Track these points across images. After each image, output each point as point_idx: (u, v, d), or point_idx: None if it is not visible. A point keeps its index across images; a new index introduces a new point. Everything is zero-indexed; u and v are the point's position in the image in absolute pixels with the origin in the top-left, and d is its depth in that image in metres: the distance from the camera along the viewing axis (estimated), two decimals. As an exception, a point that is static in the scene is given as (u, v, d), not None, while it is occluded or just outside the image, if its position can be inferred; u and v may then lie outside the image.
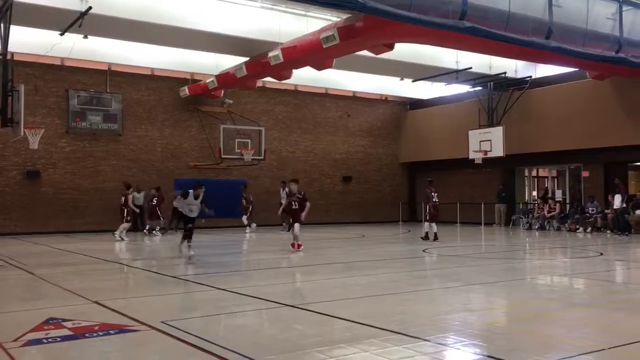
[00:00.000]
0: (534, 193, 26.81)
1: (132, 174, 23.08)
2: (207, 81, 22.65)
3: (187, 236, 12.56)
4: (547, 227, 22.45)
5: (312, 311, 6.76)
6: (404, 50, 18.97)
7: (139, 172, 23.29)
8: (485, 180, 25.47)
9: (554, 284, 9.65)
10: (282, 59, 17.59)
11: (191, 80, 24.18)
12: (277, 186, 25.49)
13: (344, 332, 5.82)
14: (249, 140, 24.38)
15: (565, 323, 6.35)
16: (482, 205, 25.21)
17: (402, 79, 26.53)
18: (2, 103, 14.30)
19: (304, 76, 22.64)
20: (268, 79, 22.86)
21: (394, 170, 30.19)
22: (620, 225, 19.44)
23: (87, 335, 5.60)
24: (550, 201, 23.35)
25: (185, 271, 10.99)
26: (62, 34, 17.67)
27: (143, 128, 23.68)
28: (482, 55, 20.43)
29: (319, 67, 18.99)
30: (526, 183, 27.15)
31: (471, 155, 24.31)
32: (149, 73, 23.77)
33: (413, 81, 26.09)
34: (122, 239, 17.82)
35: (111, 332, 5.73)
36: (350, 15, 14.90)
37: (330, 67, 18.86)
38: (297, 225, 14.12)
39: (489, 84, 24.47)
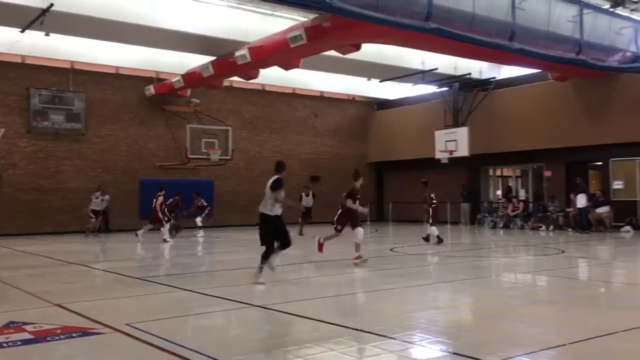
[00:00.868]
0: (499, 192, 27.26)
1: (96, 174, 22.66)
2: (173, 80, 22.38)
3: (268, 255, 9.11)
4: (511, 226, 22.86)
5: (280, 311, 6.75)
6: (371, 51, 19.08)
7: (103, 172, 22.87)
8: (451, 179, 25.79)
9: (517, 282, 9.84)
10: (249, 59, 17.51)
11: (157, 79, 23.86)
12: (244, 186, 25.43)
13: (312, 331, 5.83)
14: (216, 140, 24.19)
15: (528, 319, 6.48)
16: (448, 204, 25.53)
17: (369, 80, 26.69)
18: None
19: (272, 76, 22.57)
20: (235, 78, 22.73)
21: (362, 170, 30.09)
22: (583, 224, 19.93)
23: (48, 338, 5.48)
24: (514, 200, 23.80)
25: (153, 272, 10.84)
26: (22, 31, 17.26)
27: (107, 127, 23.25)
28: (448, 56, 20.67)
29: (287, 66, 18.96)
30: (491, 182, 27.62)
31: (437, 155, 24.59)
32: (114, 72, 23.36)
33: (380, 81, 26.27)
34: (166, 241, 17.33)
35: (74, 335, 5.62)
36: (317, 15, 14.92)
37: (297, 66, 18.85)
38: (360, 231, 11.64)
39: (454, 84, 24.79)
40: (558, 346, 5.14)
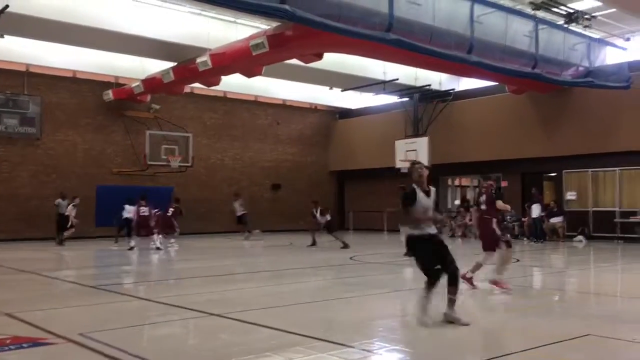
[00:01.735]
0: (457, 202, 27.72)
1: (50, 180, 22.09)
2: (133, 85, 22.04)
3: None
4: (469, 235, 23.26)
5: (238, 320, 6.70)
6: (333, 60, 19.20)
7: (58, 178, 22.30)
8: (411, 189, 26.05)
9: (473, 290, 10.00)
10: (210, 65, 17.40)
11: (116, 84, 23.44)
12: (204, 193, 25.20)
13: (270, 340, 5.81)
14: (176, 147, 23.90)
15: (483, 327, 6.60)
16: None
17: (331, 89, 26.84)
18: None
19: (234, 83, 22.48)
20: (197, 84, 22.54)
21: (323, 179, 30.41)
22: (537, 233, 20.44)
23: (-3, 349, 5.31)
24: (471, 209, 24.23)
25: (109, 281, 10.61)
26: (-25, 32, 16.75)
27: (63, 132, 22.70)
28: (409, 67, 20.99)
29: (249, 74, 18.91)
30: (450, 192, 28.07)
31: (398, 165, 24.84)
32: (71, 75, 22.84)
33: (342, 91, 26.43)
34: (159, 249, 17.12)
35: (24, 345, 5.46)
36: (279, 23, 14.95)
37: (259, 74, 18.81)
38: (497, 254, 9.49)
39: (414, 95, 25.15)
40: (510, 354, 5.25)
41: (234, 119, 27.24)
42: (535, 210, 20.42)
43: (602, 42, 19.67)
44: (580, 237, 20.16)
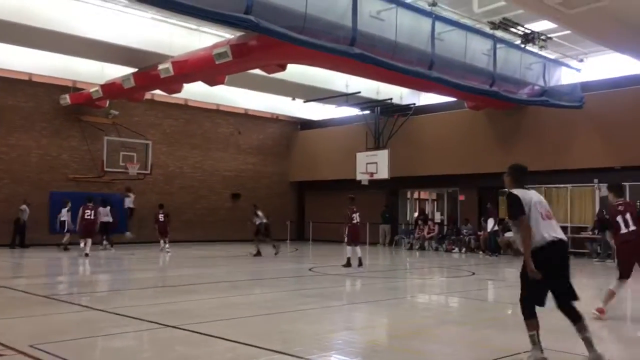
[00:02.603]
0: (416, 215, 28.10)
1: (2, 184, 21.41)
2: (91, 90, 21.57)
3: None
4: (427, 247, 23.58)
5: (194, 332, 6.62)
6: (296, 71, 19.28)
7: (10, 183, 21.64)
8: (372, 201, 26.30)
9: (430, 302, 10.15)
10: (172, 73, 17.19)
11: (73, 88, 22.93)
12: (162, 201, 24.79)
13: (226, 352, 5.76)
14: (134, 154, 23.51)
15: (439, 339, 6.69)
16: (368, 225, 26.01)
17: (293, 99, 26.91)
18: None
19: (195, 91, 22.29)
20: (157, 91, 22.24)
21: (284, 189, 30.39)
22: (492, 247, 20.87)
23: (-59, 362, 5.10)
24: (429, 222, 24.60)
25: (61, 290, 10.33)
26: None
27: (16, 136, 22.04)
28: (371, 80, 21.23)
29: (211, 82, 18.79)
30: (408, 205, 28.42)
31: (358, 177, 25.03)
32: (26, 78, 22.26)
33: (304, 102, 26.55)
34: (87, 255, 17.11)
35: (-30, 358, 5.26)
36: (243, 33, 14.93)
37: (222, 83, 18.72)
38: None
39: (376, 108, 25.43)
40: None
41: (194, 127, 26.99)
42: (489, 225, 20.89)
43: (557, 62, 20.33)
44: (533, 251, 20.62)
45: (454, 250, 22.51)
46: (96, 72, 21.25)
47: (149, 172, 23.66)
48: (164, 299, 9.51)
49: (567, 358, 5.71)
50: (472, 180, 23.47)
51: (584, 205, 20.67)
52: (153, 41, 17.80)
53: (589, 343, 5.20)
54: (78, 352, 5.64)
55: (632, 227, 7.86)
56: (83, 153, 23.50)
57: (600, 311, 7.76)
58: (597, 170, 19.45)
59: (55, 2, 16.31)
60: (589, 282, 12.93)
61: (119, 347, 6.07)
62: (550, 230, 5.34)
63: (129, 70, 19.69)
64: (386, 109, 25.27)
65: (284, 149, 30.42)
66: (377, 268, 16.61)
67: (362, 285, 12.29)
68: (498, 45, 17.49)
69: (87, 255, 17.01)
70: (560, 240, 5.33)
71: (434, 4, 15.82)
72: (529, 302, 5.32)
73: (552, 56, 20.19)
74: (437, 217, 26.84)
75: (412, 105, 24.94)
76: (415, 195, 29.27)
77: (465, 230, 23.03)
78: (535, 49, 18.84)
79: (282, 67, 16.44)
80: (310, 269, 14.80)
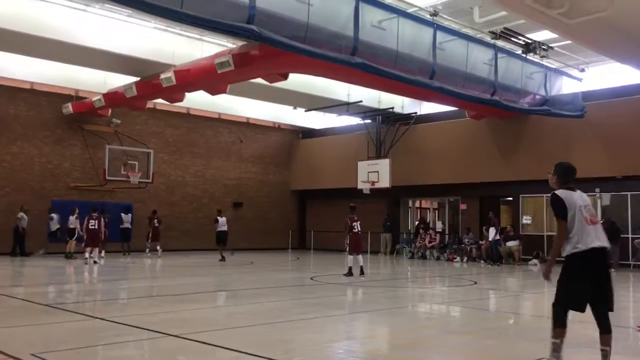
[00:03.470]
0: (416, 223, 28.08)
1: (4, 193, 21.45)
2: (94, 99, 21.65)
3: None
4: (428, 256, 23.54)
5: (196, 341, 6.61)
6: (298, 81, 19.35)
7: (12, 191, 21.67)
8: (373, 210, 26.30)
9: (432, 312, 10.12)
10: (174, 82, 17.26)
11: (76, 97, 23.02)
12: (164, 210, 24.80)
13: (229, 362, 5.74)
14: (136, 163, 23.56)
15: (441, 349, 6.68)
16: (369, 234, 25.99)
17: (295, 108, 26.99)
18: None
19: (197, 100, 22.36)
20: (159, 100, 22.32)
21: (285, 198, 30.40)
22: (493, 256, 20.84)
23: (-57, 371, 5.10)
24: (431, 231, 24.58)
25: (63, 299, 10.33)
26: None
27: (19, 145, 22.11)
28: (372, 90, 21.29)
29: (213, 92, 18.85)
30: (410, 214, 28.41)
31: (359, 186, 25.05)
32: (29, 87, 22.35)
33: (306, 111, 26.61)
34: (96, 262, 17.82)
35: (-28, 367, 5.26)
36: (245, 42, 15.00)
37: (224, 92, 18.78)
38: None
39: (377, 117, 25.50)
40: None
41: (196, 136, 27.06)
42: (491, 234, 20.88)
43: (558, 72, 20.37)
44: (535, 261, 20.61)
45: (455, 260, 22.47)
46: (98, 81, 21.34)
47: (150, 180, 23.70)
48: (165, 307, 9.50)
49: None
50: (474, 189, 23.48)
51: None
52: (155, 50, 17.89)
53: (605, 357, 5.14)
54: (79, 361, 5.64)
55: None
56: (85, 161, 23.56)
57: None
58: (599, 179, 19.43)
59: (58, 12, 16.41)
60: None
61: (119, 357, 6.06)
62: (593, 236, 5.21)
63: (131, 79, 19.79)
64: (387, 118, 25.34)
65: (285, 157, 30.46)
66: (378, 277, 16.58)
67: (363, 295, 12.26)
68: (499, 55, 17.55)
69: (95, 262, 17.53)
70: (602, 247, 5.22)
71: (435, 14, 15.88)
72: (562, 309, 5.24)
73: (553, 66, 20.23)
74: (439, 226, 26.81)
75: (414, 115, 25.02)
76: (417, 204, 29.25)
77: (466, 240, 23.00)
78: (536, 59, 18.88)
79: (284, 77, 16.50)
80: (311, 278, 14.78)
